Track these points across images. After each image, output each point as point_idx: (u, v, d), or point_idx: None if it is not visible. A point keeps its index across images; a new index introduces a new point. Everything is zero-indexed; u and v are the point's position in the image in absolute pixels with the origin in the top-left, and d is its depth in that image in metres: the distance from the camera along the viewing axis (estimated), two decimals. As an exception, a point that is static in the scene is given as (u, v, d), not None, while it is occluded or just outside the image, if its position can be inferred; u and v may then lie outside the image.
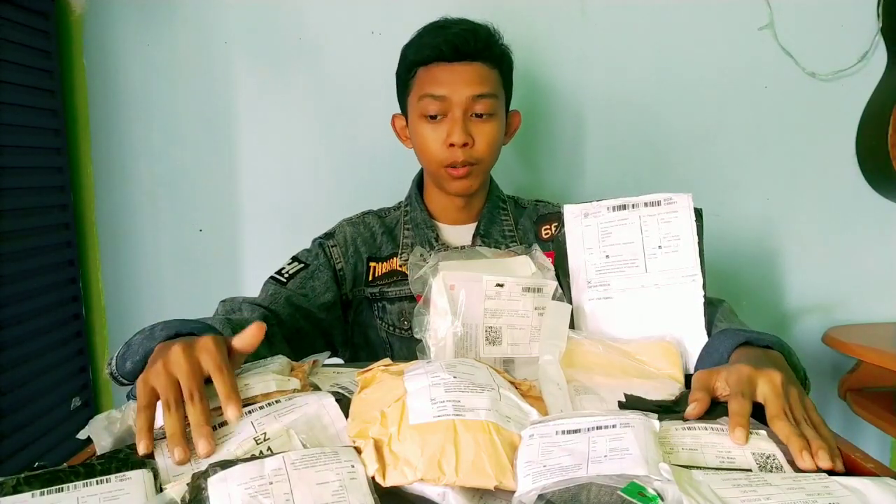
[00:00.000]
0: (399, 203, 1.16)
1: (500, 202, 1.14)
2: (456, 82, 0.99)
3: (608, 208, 0.82)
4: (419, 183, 1.15)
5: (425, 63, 1.01)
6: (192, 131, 1.47)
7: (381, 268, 1.10)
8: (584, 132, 1.45)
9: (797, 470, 0.52)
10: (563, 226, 1.02)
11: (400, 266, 1.08)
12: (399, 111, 1.11)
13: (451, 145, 1.00)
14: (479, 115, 1.01)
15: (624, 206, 0.82)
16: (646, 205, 0.81)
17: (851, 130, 1.43)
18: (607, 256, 0.81)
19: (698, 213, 0.80)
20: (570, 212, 0.84)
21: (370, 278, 1.09)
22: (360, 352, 1.11)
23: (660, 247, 0.79)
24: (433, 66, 1.00)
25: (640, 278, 0.80)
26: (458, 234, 1.12)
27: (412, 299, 1.05)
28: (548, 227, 1.05)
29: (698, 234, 0.79)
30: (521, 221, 1.13)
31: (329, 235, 1.11)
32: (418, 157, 1.07)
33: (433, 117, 1.01)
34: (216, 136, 1.47)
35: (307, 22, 1.43)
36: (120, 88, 1.46)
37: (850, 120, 1.42)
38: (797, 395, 0.59)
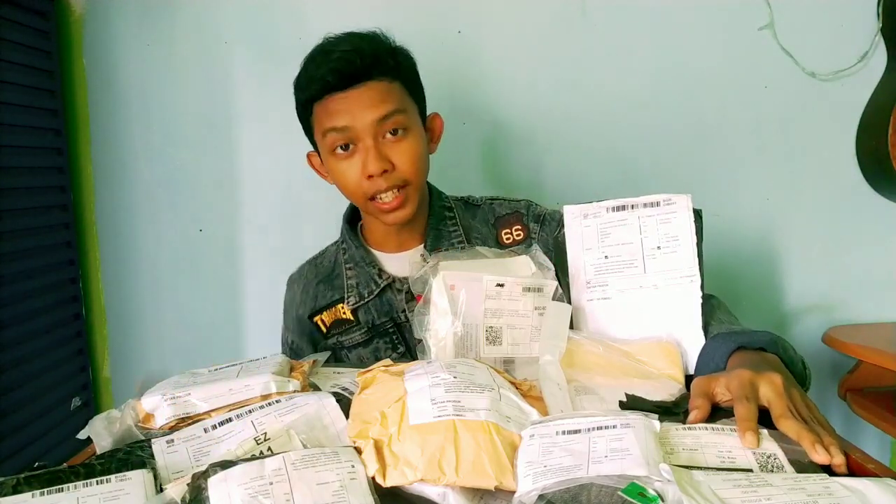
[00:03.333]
0: (335, 242, 1.10)
1: (446, 211, 1.04)
2: (354, 109, 0.90)
3: (607, 209, 0.82)
4: (350, 218, 1.08)
5: (318, 98, 0.92)
6: (192, 131, 1.47)
7: (327, 318, 1.03)
8: (583, 132, 1.45)
9: (798, 470, 0.52)
10: (528, 227, 1.03)
11: (344, 313, 1.01)
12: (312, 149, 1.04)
13: (370, 176, 0.91)
14: (393, 133, 0.91)
15: (623, 207, 0.81)
16: (645, 205, 0.81)
17: (851, 130, 1.43)
18: (606, 257, 0.81)
19: (697, 214, 0.80)
20: (569, 212, 0.84)
21: (324, 331, 1.03)
22: None
23: (658, 247, 0.79)
24: (327, 99, 0.91)
25: (638, 279, 0.80)
26: (403, 261, 1.02)
27: (366, 343, 1.01)
28: (508, 231, 1.03)
29: (697, 235, 0.79)
30: (474, 226, 1.04)
31: (285, 313, 1.09)
32: (343, 193, 0.99)
33: (344, 147, 0.92)
34: (216, 136, 1.47)
35: (307, 22, 1.43)
36: (120, 88, 1.46)
37: (850, 120, 1.42)
38: (799, 395, 0.59)
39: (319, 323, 1.03)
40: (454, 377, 0.59)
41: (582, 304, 0.82)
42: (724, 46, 1.41)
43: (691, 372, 0.76)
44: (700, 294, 0.79)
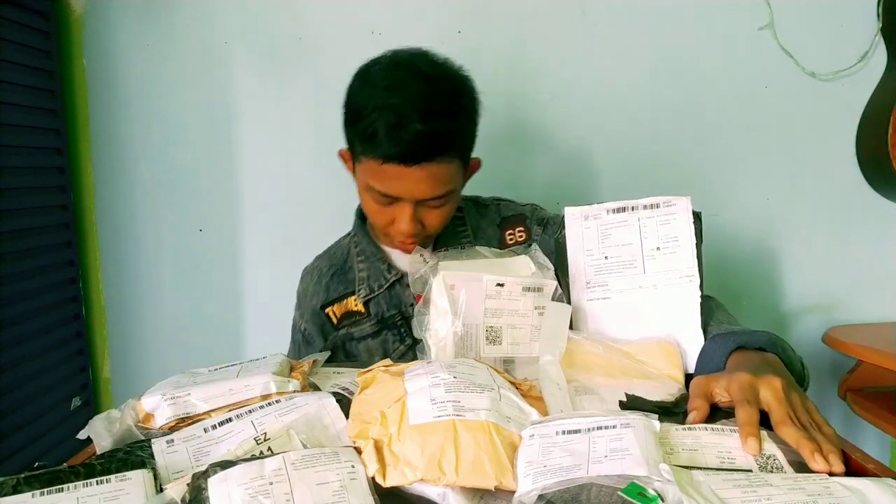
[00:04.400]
0: (347, 234, 1.11)
1: (457, 212, 1.04)
2: (407, 186, 0.87)
3: (608, 210, 0.82)
4: (361, 212, 1.07)
5: (372, 158, 0.87)
6: (192, 131, 1.47)
7: (338, 310, 1.04)
8: (583, 132, 1.45)
9: (798, 470, 0.52)
10: (530, 230, 1.05)
11: (355, 305, 1.02)
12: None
13: (398, 232, 0.93)
14: (435, 204, 0.92)
15: (623, 209, 0.82)
16: (645, 207, 0.81)
17: (851, 130, 1.43)
18: (606, 257, 0.82)
19: (697, 216, 0.80)
20: (570, 214, 0.84)
21: (335, 323, 1.04)
22: None
23: (658, 248, 0.79)
24: (383, 164, 0.86)
25: (637, 279, 0.80)
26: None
27: (375, 335, 1.01)
28: (511, 231, 1.05)
29: (697, 237, 0.79)
30: (481, 226, 1.06)
31: (298, 302, 1.09)
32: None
33: (383, 200, 0.91)
34: (216, 136, 1.47)
35: (307, 22, 1.43)
36: (120, 88, 1.46)
37: (850, 120, 1.42)
38: (799, 399, 0.59)
39: (331, 314, 1.04)
40: (454, 377, 0.59)
41: (582, 304, 0.83)
42: (724, 46, 1.41)
43: (691, 371, 0.76)
44: (699, 294, 0.79)
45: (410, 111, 0.84)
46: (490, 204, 1.08)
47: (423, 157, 0.85)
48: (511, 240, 1.04)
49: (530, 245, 0.87)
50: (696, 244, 0.79)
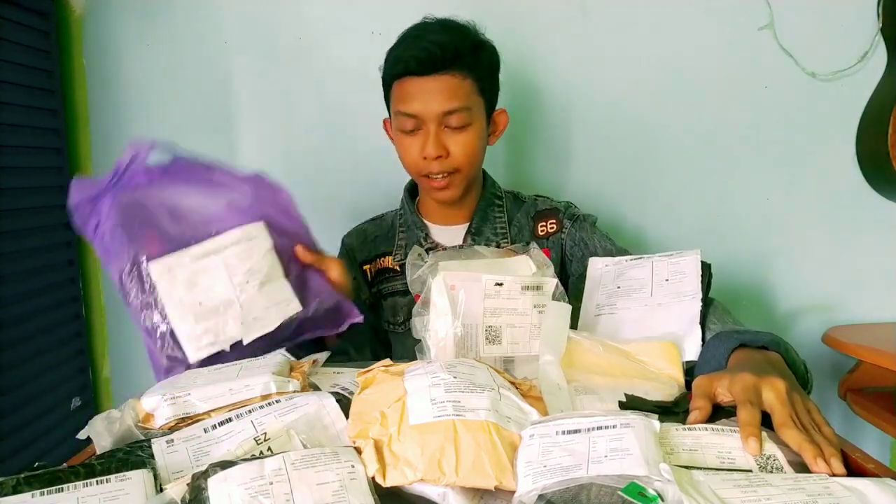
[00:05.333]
0: (394, 210, 1.21)
1: (496, 199, 1.15)
2: (425, 99, 0.99)
3: (626, 259, 0.91)
4: (410, 188, 1.19)
5: (397, 77, 1.02)
6: (191, 131, 1.47)
7: (373, 268, 1.15)
8: (583, 132, 1.45)
9: (798, 471, 0.52)
10: (561, 223, 1.13)
11: (392, 264, 1.13)
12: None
13: (426, 157, 1.02)
14: (455, 126, 1.01)
15: (640, 257, 0.90)
16: (660, 256, 0.88)
17: (851, 130, 1.43)
18: (619, 287, 0.88)
19: (706, 267, 0.85)
20: (592, 262, 0.94)
21: (369, 280, 1.15)
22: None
23: (667, 280, 0.85)
24: (405, 81, 1.01)
25: (644, 300, 0.85)
26: (450, 234, 1.14)
27: (404, 293, 1.10)
28: (544, 224, 1.13)
29: (705, 287, 0.84)
30: (517, 217, 1.15)
31: (339, 255, 1.17)
32: (403, 165, 1.10)
33: (411, 129, 1.02)
34: (216, 136, 1.47)
35: (307, 22, 1.43)
36: (120, 88, 1.46)
37: (850, 120, 1.42)
38: (801, 400, 0.59)
39: (368, 272, 1.16)
40: (454, 377, 0.59)
41: (589, 321, 0.87)
42: (724, 46, 1.41)
43: (691, 366, 0.76)
44: (699, 305, 0.81)
45: (429, 26, 1.02)
46: (527, 200, 1.18)
47: (438, 66, 0.98)
48: (542, 231, 1.13)
49: (527, 243, 0.87)
50: (703, 290, 0.83)
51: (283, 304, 0.84)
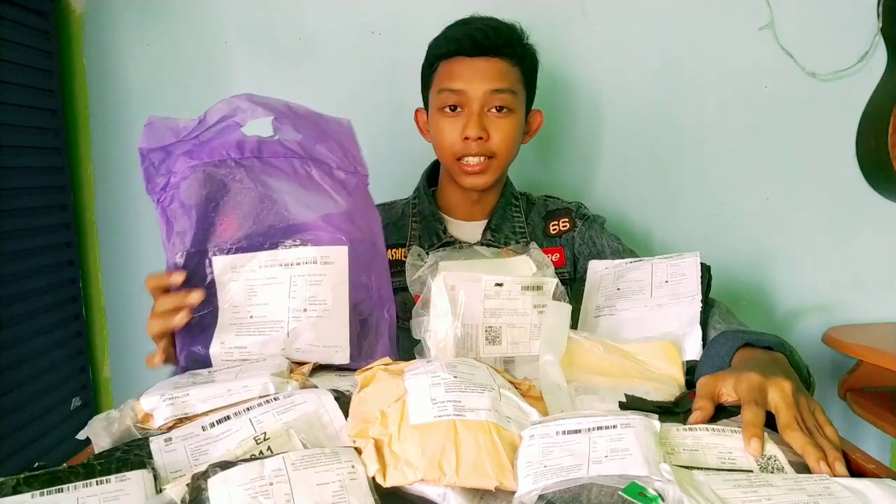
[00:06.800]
0: (404, 198, 1.18)
1: (514, 199, 1.15)
2: (474, 77, 1.00)
3: (625, 262, 0.92)
4: (429, 176, 1.17)
5: (446, 57, 1.03)
6: (191, 131, 1.47)
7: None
8: (583, 132, 1.45)
9: (799, 471, 0.52)
10: (574, 221, 1.14)
11: (404, 257, 1.09)
12: (422, 106, 1.14)
13: (467, 138, 1.01)
14: (498, 110, 1.02)
15: (640, 259, 0.91)
16: (659, 259, 0.89)
17: (851, 130, 1.43)
18: (618, 289, 0.89)
19: (706, 268, 0.85)
20: (592, 265, 0.95)
21: None
22: None
23: (666, 281, 0.86)
24: (454, 60, 1.02)
25: (644, 301, 0.85)
26: (468, 229, 1.13)
27: None
28: (556, 223, 1.14)
29: (704, 288, 0.84)
30: (531, 217, 1.15)
31: None
32: (435, 150, 1.09)
33: (452, 108, 1.02)
34: (216, 136, 1.47)
35: (307, 21, 1.43)
36: (120, 88, 1.46)
37: (850, 120, 1.42)
38: (806, 402, 0.59)
39: None
40: (454, 377, 0.59)
41: (589, 322, 0.88)
42: (724, 46, 1.41)
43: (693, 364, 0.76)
44: (699, 306, 0.81)
45: (478, 18, 1.04)
46: (538, 201, 1.18)
47: (490, 49, 1.00)
48: (554, 230, 1.13)
49: (528, 243, 0.88)
50: (703, 291, 0.83)
51: (330, 350, 0.74)
